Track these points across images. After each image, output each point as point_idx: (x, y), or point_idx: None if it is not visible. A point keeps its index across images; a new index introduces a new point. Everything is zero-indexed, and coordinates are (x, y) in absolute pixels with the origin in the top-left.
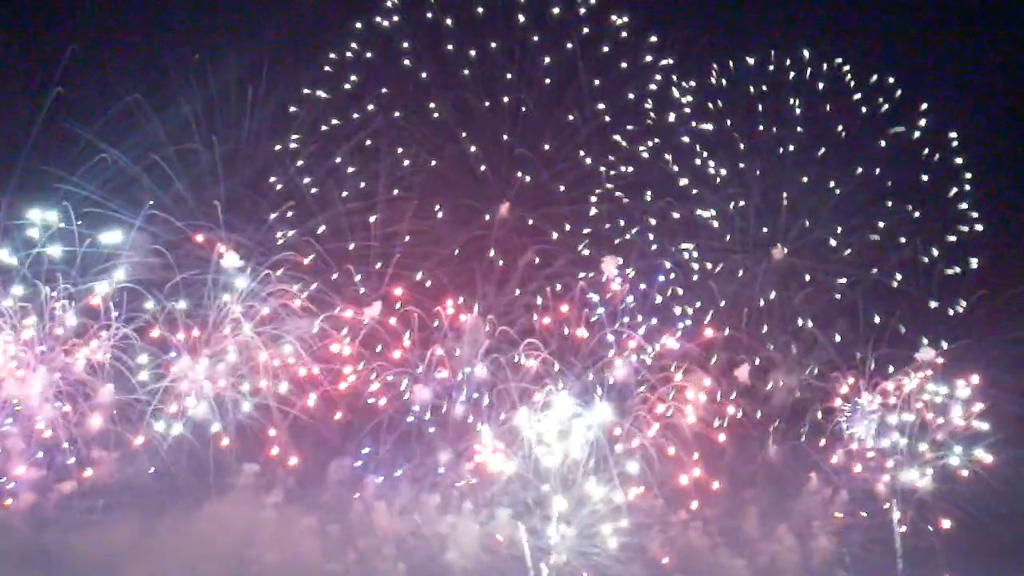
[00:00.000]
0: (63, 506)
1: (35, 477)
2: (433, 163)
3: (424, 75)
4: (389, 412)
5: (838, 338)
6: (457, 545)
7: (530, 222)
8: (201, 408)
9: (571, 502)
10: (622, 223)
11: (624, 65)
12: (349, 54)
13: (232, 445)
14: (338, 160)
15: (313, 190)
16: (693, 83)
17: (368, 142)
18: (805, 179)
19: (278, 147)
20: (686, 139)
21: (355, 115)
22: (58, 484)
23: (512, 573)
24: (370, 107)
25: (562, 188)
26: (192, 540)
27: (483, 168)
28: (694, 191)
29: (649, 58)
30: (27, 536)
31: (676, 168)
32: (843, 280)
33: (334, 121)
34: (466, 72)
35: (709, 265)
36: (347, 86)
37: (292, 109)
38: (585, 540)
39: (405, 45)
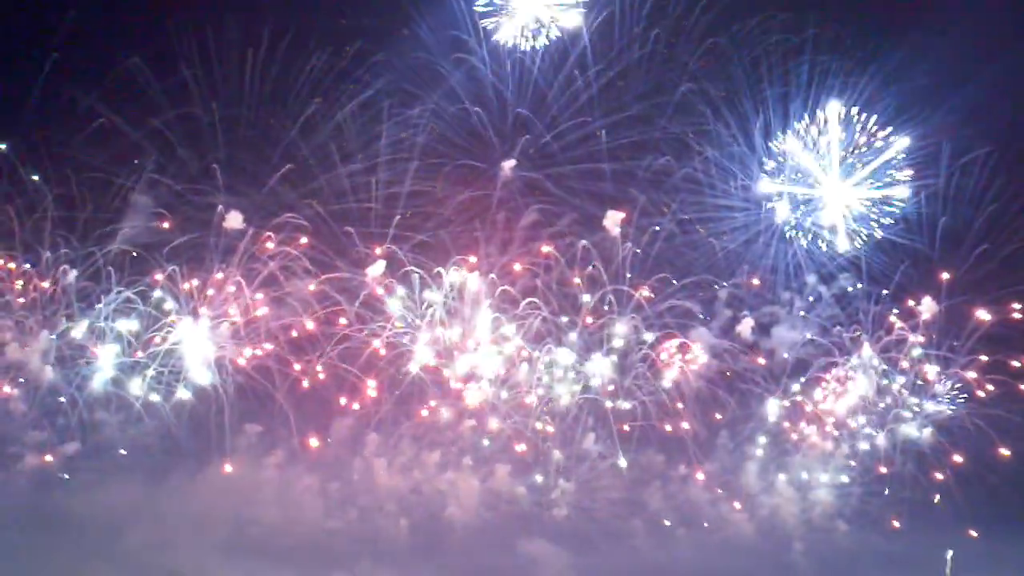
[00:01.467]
0: (67, 468)
1: (38, 439)
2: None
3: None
4: (390, 371)
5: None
6: (458, 501)
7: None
8: (202, 370)
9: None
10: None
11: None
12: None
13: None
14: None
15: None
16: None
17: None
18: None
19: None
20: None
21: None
22: (61, 446)
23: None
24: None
25: (564, 149)
26: (196, 501)
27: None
28: (697, 149)
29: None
30: (31, 498)
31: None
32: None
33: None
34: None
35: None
36: (348, 48)
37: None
38: (585, 495)
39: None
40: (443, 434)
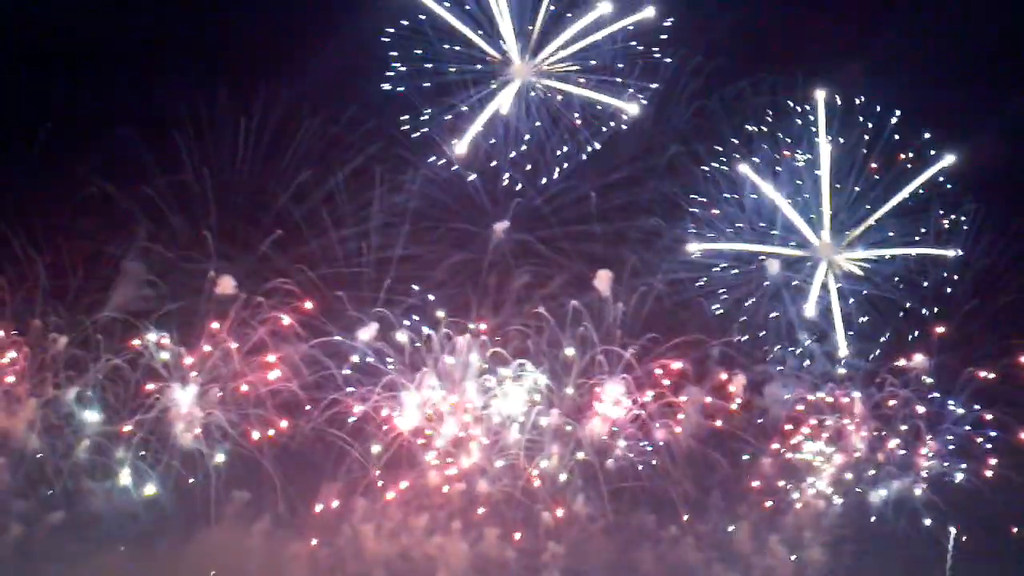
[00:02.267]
0: (51, 538)
1: (22, 509)
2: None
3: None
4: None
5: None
6: (447, 566)
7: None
8: (190, 437)
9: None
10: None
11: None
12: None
13: (222, 472)
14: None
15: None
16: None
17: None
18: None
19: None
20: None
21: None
22: (46, 516)
23: None
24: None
25: (556, 211)
26: (183, 569)
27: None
28: (689, 208)
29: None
30: (15, 570)
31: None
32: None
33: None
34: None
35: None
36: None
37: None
38: (575, 558)
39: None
40: (432, 498)
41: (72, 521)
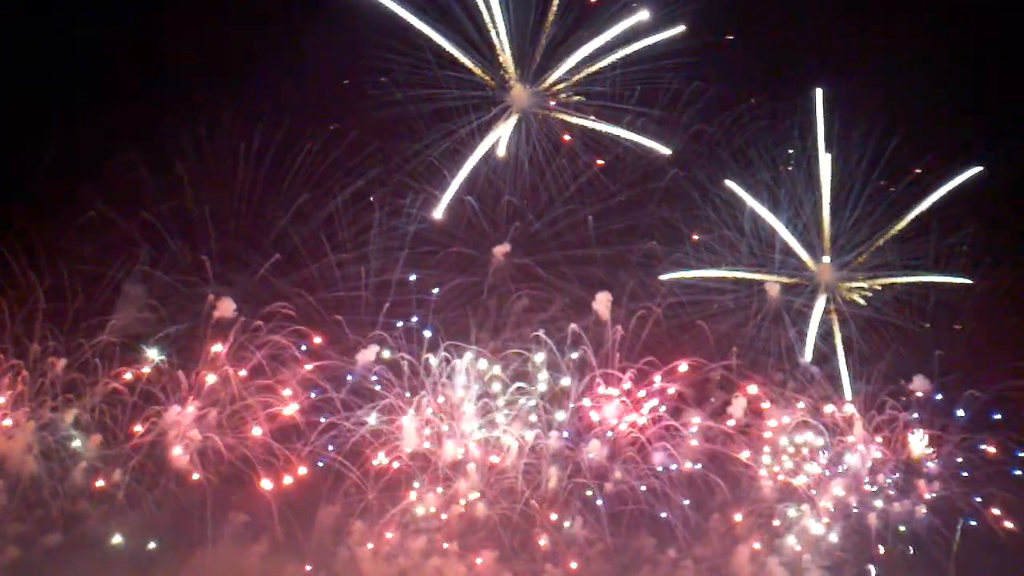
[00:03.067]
0: (49, 560)
1: (19, 532)
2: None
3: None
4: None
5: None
6: None
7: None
8: (187, 458)
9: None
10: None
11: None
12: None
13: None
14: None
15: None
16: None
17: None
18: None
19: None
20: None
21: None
22: (43, 538)
23: None
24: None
25: (555, 235)
26: None
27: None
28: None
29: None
30: None
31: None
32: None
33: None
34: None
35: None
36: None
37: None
38: None
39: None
40: (429, 521)
41: (68, 544)
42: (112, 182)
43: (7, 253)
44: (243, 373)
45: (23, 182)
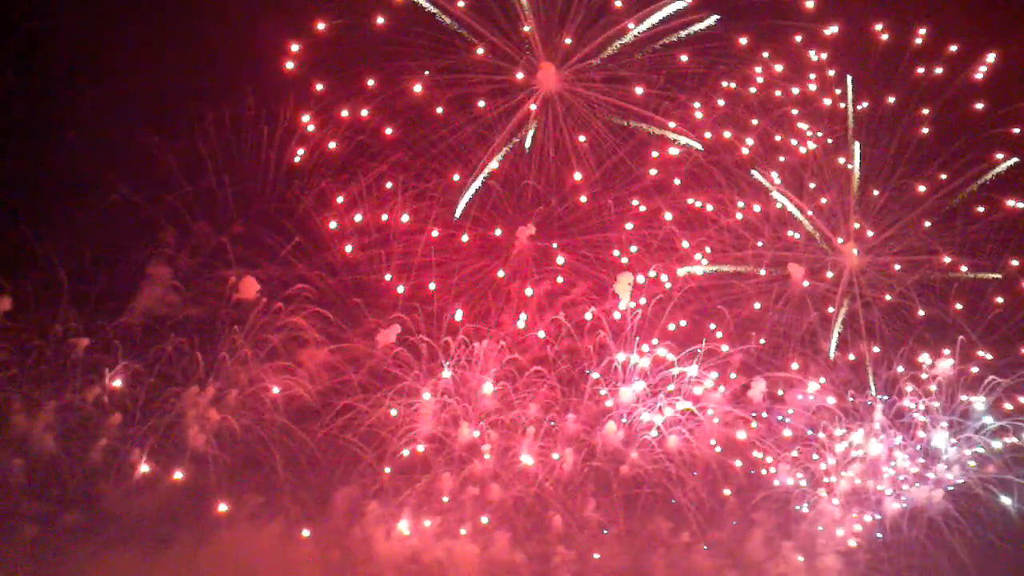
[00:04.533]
0: (67, 539)
1: (38, 510)
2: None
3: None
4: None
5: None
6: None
7: (553, 245)
8: (205, 440)
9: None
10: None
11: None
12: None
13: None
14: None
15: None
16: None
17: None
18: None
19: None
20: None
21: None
22: (61, 516)
23: None
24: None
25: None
26: (197, 570)
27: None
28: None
29: None
30: (30, 570)
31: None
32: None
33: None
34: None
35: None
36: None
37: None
38: (586, 564)
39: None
40: (444, 503)
41: (87, 522)
42: (136, 165)
43: (32, 236)
44: (262, 355)
45: (47, 165)
